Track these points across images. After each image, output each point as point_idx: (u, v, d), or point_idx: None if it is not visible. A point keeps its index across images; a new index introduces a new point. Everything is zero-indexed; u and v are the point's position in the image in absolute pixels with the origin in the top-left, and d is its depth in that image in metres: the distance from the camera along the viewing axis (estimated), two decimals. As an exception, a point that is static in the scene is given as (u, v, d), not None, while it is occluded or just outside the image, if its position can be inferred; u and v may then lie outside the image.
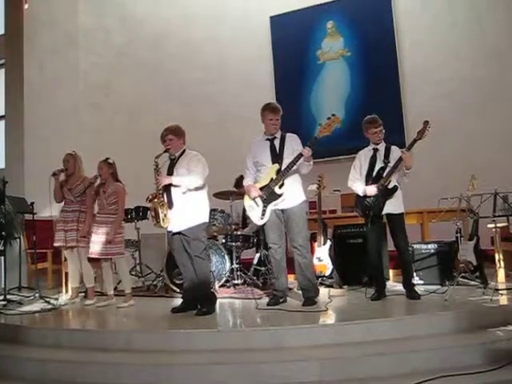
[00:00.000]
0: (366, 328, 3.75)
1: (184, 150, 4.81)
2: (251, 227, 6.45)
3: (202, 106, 9.19)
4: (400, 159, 4.62)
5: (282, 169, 4.60)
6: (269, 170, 4.68)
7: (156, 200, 4.57)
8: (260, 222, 4.75)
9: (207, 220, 4.81)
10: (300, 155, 4.52)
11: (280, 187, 4.60)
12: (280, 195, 4.60)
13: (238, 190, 6.44)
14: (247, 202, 4.79)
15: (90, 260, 5.45)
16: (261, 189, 4.66)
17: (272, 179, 4.62)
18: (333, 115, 4.70)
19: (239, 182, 6.66)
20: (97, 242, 5.17)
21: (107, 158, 5.38)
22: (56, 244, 5.50)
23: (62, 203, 5.58)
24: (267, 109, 4.80)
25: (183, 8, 9.56)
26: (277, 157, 4.70)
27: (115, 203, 5.25)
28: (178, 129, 4.82)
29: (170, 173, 4.71)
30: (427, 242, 5.63)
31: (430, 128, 4.73)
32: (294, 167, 4.59)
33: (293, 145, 4.72)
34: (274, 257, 4.78)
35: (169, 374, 3.46)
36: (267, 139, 4.82)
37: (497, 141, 7.64)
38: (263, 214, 4.66)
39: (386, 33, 8.54)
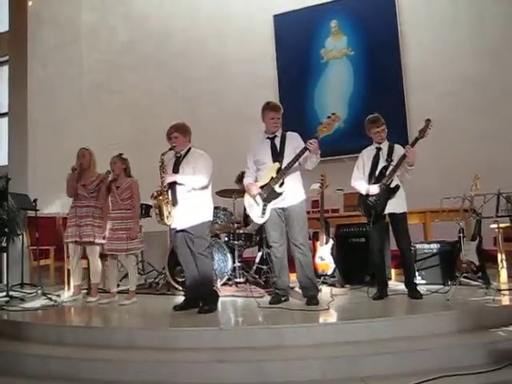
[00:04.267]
0: (368, 327, 3.75)
1: (190, 148, 4.82)
2: (253, 225, 6.44)
3: (206, 104, 9.19)
4: (403, 157, 4.62)
5: (283, 167, 4.61)
6: (269, 169, 4.68)
7: (161, 197, 4.59)
8: (260, 221, 4.75)
9: (211, 218, 4.81)
10: (304, 150, 4.51)
11: (280, 186, 4.60)
12: (280, 194, 4.60)
13: (239, 185, 6.44)
14: (247, 200, 4.80)
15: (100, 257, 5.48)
16: (261, 187, 4.67)
17: (272, 178, 4.62)
18: (333, 114, 4.69)
19: (241, 178, 6.68)
20: (114, 239, 5.18)
21: (121, 154, 5.38)
22: (68, 240, 5.45)
23: (71, 199, 5.54)
24: (268, 107, 4.80)
25: (187, 6, 9.56)
26: (277, 155, 4.70)
27: (129, 198, 5.25)
28: (184, 126, 4.82)
29: (176, 170, 4.72)
30: (430, 242, 5.63)
31: (433, 127, 4.73)
32: (296, 165, 4.59)
33: (293, 143, 4.71)
34: (275, 255, 4.79)
35: (170, 371, 3.46)
36: (268, 138, 4.82)
37: (500, 140, 7.62)
38: (263, 213, 4.66)
39: (389, 32, 8.53)
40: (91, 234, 5.32)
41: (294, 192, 4.67)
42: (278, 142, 4.76)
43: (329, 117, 4.67)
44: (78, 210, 5.41)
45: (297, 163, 4.59)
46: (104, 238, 5.33)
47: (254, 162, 4.85)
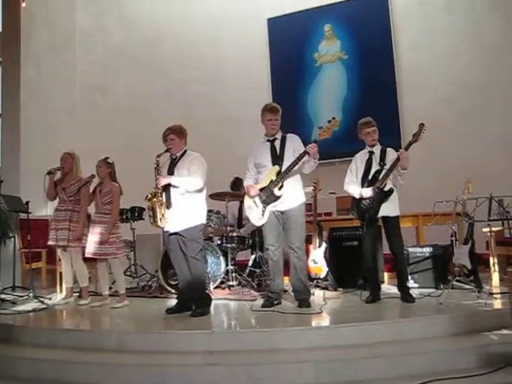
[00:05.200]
0: (361, 330, 3.76)
1: (185, 151, 4.80)
2: (246, 229, 6.45)
3: (199, 107, 9.19)
4: (396, 160, 4.63)
5: (282, 170, 4.61)
6: (268, 172, 4.68)
7: (155, 199, 4.57)
8: (259, 223, 4.76)
9: (204, 221, 4.80)
10: (304, 154, 4.52)
11: (279, 189, 4.59)
12: (279, 197, 4.60)
13: (234, 191, 6.44)
14: (247, 202, 4.80)
15: (86, 260, 5.45)
16: (260, 190, 4.66)
17: (272, 181, 4.62)
18: (333, 118, 4.71)
19: (235, 183, 6.68)
20: (92, 242, 5.17)
21: (106, 158, 5.37)
22: (49, 243, 5.48)
23: (56, 202, 5.55)
24: (266, 109, 4.82)
25: (181, 9, 9.56)
26: (277, 158, 4.70)
27: (109, 203, 5.25)
28: (181, 129, 4.81)
29: (171, 173, 4.70)
30: (422, 246, 5.65)
31: (426, 131, 4.76)
32: (296, 168, 4.59)
33: (294, 145, 4.73)
34: (271, 258, 4.77)
35: (163, 374, 3.45)
36: (268, 140, 4.82)
37: (492, 144, 7.67)
38: (262, 215, 4.66)
39: (382, 36, 8.57)
40: (65, 238, 5.31)
41: (293, 195, 4.67)
42: (277, 144, 4.77)
43: (329, 121, 4.70)
44: (57, 213, 5.45)
45: (296, 167, 4.59)
46: (79, 240, 5.32)
47: (255, 164, 4.85)
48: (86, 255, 5.26)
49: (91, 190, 5.45)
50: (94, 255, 5.18)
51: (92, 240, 5.18)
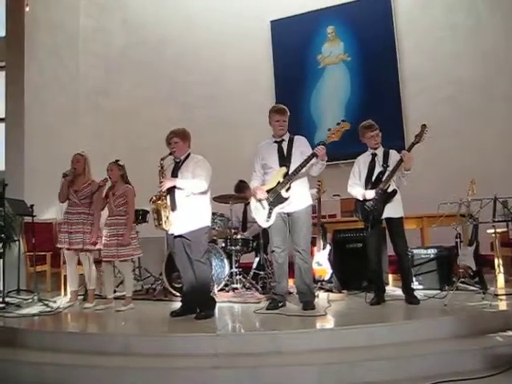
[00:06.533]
0: (366, 333, 3.75)
1: (189, 154, 4.81)
2: (251, 231, 6.44)
3: (202, 110, 9.18)
4: (399, 161, 4.63)
5: (290, 172, 4.60)
6: (276, 173, 4.67)
7: (159, 202, 4.57)
8: (265, 225, 4.74)
9: (209, 224, 4.80)
10: (312, 156, 4.52)
11: (287, 191, 4.59)
12: (286, 199, 4.60)
13: (238, 194, 6.44)
14: (253, 203, 4.79)
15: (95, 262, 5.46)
16: (267, 191, 4.65)
17: (279, 182, 4.61)
18: (343, 121, 4.71)
19: (239, 186, 6.67)
20: (109, 245, 5.15)
21: (117, 160, 5.37)
22: (59, 245, 5.47)
23: (65, 205, 5.53)
24: (273, 110, 4.83)
25: (184, 12, 9.57)
26: (285, 160, 4.70)
27: (123, 205, 5.24)
28: (184, 132, 4.82)
29: (175, 176, 4.72)
30: (427, 247, 5.64)
31: (430, 132, 4.75)
32: (303, 170, 4.59)
33: (301, 147, 4.72)
34: (276, 261, 4.77)
35: (167, 377, 3.45)
36: (275, 142, 4.82)
37: (497, 145, 7.64)
38: (269, 217, 4.65)
39: (385, 38, 8.56)
40: (81, 241, 5.32)
41: (300, 197, 4.66)
42: (285, 146, 4.77)
43: (338, 124, 4.69)
44: (69, 216, 5.42)
45: (304, 169, 4.58)
46: (94, 244, 5.33)
47: (262, 166, 4.84)
48: (104, 259, 5.24)
49: (103, 195, 5.42)
50: (113, 258, 5.16)
51: (109, 243, 5.16)
